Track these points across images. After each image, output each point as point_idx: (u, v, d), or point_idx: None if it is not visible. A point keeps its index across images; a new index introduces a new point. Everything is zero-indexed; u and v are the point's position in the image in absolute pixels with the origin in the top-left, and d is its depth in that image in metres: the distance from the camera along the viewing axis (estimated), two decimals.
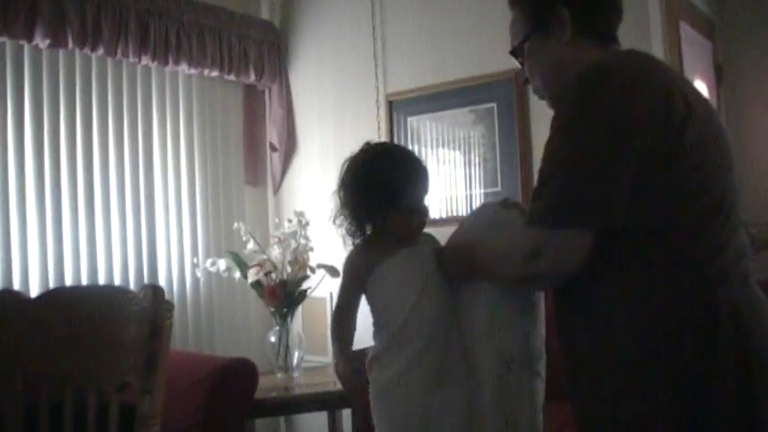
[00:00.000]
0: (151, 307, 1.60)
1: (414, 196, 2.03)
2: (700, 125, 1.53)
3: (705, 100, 1.67)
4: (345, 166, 2.10)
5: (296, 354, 4.03)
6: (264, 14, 5.17)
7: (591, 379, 1.61)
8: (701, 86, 4.18)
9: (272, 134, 5.14)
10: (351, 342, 2.09)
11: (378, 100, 4.70)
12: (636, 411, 1.50)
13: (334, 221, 2.08)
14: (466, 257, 1.88)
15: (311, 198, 4.91)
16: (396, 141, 4.48)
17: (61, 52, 4.07)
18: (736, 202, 1.61)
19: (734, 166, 1.64)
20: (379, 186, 2.00)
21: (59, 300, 2.03)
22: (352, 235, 2.08)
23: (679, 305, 1.48)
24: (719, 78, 4.46)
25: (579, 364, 1.65)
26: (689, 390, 1.45)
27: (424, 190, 2.07)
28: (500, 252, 1.75)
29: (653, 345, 1.49)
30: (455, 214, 4.41)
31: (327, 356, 4.49)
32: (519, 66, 1.90)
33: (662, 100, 1.50)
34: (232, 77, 4.87)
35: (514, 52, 1.86)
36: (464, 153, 4.36)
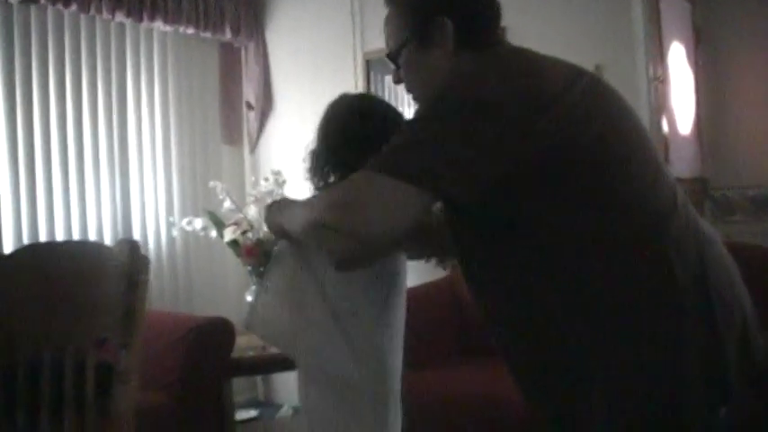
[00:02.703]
0: (128, 262, 1.59)
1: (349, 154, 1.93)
2: (582, 107, 1.49)
3: (585, 79, 1.58)
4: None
5: None
6: None
7: (556, 370, 1.56)
8: (679, 48, 4.18)
9: (249, 93, 5.10)
10: None
11: (355, 58, 4.66)
12: (614, 384, 1.49)
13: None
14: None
15: (288, 157, 4.88)
16: None
17: (33, 8, 4.00)
18: (655, 152, 1.60)
19: (641, 126, 1.63)
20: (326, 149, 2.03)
21: (34, 255, 2.01)
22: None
23: (632, 266, 1.46)
24: (698, 40, 4.45)
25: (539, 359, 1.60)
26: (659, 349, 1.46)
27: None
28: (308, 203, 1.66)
29: (617, 310, 1.47)
30: None
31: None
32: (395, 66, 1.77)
33: (535, 96, 1.45)
34: (208, 35, 4.81)
35: (391, 57, 1.76)
36: None
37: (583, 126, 1.48)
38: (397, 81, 1.80)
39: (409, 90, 1.78)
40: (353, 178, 1.46)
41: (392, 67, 1.78)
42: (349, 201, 1.44)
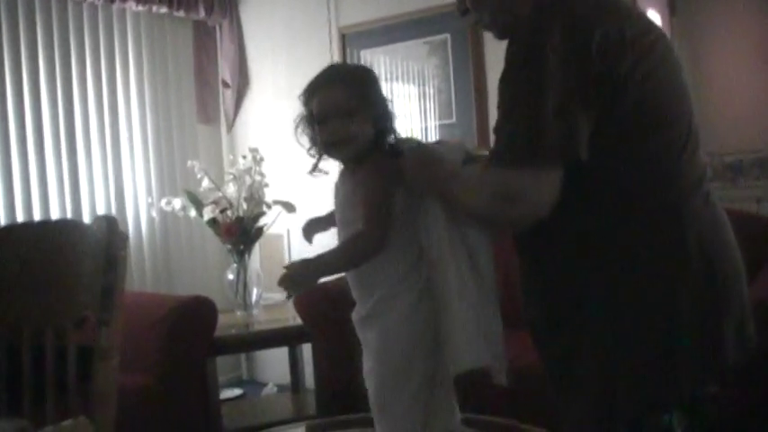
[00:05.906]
0: (105, 239, 1.58)
1: None
2: (654, 56, 1.52)
3: (659, 32, 1.63)
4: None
5: (254, 291, 4.03)
6: None
7: (567, 309, 1.59)
8: (654, 16, 4.18)
9: (224, 71, 5.07)
10: None
11: (330, 33, 4.63)
12: (611, 338, 1.51)
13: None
14: (443, 180, 1.78)
15: (265, 134, 4.86)
16: None
17: None
18: (696, 126, 1.61)
19: (689, 93, 1.64)
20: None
21: (11, 237, 1.99)
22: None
23: (649, 229, 1.49)
24: (673, 8, 4.46)
25: (554, 302, 1.63)
26: (662, 306, 1.48)
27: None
28: (470, 188, 1.67)
29: (627, 270, 1.50)
30: None
31: (285, 293, 4.48)
32: None
33: (612, 33, 1.47)
34: (181, 14, 4.76)
35: None
36: (418, 85, 4.34)
37: (645, 79, 1.49)
38: (463, 12, 1.79)
39: (479, 18, 1.76)
40: (495, 174, 1.55)
41: None
42: (505, 195, 1.52)
